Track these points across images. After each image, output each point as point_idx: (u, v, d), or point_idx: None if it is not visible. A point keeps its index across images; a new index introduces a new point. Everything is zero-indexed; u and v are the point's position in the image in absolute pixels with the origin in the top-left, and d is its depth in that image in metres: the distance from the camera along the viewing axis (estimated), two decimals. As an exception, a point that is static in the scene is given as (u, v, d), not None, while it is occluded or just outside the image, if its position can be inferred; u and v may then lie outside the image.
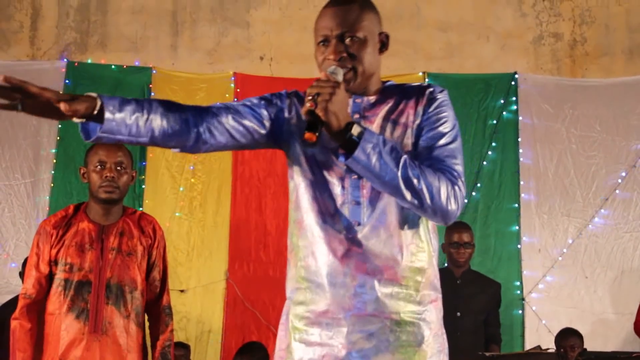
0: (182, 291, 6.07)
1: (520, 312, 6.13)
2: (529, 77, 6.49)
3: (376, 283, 2.23)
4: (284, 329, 2.36)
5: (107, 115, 2.08)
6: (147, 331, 3.77)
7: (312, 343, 2.27)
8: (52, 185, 6.16)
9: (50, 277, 3.55)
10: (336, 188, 2.27)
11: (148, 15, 6.64)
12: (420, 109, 2.31)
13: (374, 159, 2.10)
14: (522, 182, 6.30)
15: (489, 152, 6.32)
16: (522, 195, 6.29)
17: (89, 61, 6.48)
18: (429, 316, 2.29)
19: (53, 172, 6.18)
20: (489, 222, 6.26)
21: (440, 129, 2.29)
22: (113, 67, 6.41)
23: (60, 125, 6.20)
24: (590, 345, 5.32)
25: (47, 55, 6.53)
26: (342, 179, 2.28)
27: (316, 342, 2.26)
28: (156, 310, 3.73)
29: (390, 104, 2.34)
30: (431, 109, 2.31)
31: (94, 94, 2.08)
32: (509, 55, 6.62)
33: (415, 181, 2.13)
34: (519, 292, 6.14)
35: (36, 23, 6.60)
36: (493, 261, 6.19)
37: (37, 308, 3.55)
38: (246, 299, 6.09)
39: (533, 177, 6.32)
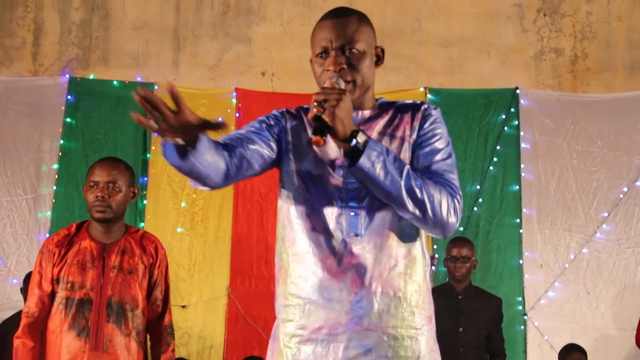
0: (183, 307, 6.06)
1: (522, 327, 6.12)
2: (530, 92, 6.50)
3: (373, 297, 2.22)
4: (272, 349, 2.34)
5: (199, 145, 2.02)
6: (149, 350, 3.77)
7: None
8: (53, 201, 6.16)
9: (53, 295, 3.55)
10: (333, 200, 2.27)
11: (150, 31, 6.66)
12: (416, 124, 2.33)
13: (378, 167, 2.11)
14: (523, 198, 6.30)
15: (491, 168, 6.31)
16: (524, 210, 6.28)
17: (91, 77, 6.50)
18: (426, 331, 2.29)
19: (55, 187, 6.19)
20: (490, 237, 6.26)
21: (437, 144, 2.31)
22: (115, 82, 6.42)
23: (62, 141, 6.21)
24: (593, 361, 5.31)
25: (50, 71, 6.55)
26: (339, 190, 2.27)
27: None
28: (158, 329, 3.73)
29: (385, 119, 2.36)
30: (427, 125, 2.33)
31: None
32: (510, 70, 6.63)
33: (417, 192, 2.14)
34: (520, 307, 6.12)
35: (39, 39, 6.62)
36: (495, 277, 6.18)
37: (40, 326, 3.55)
38: (248, 315, 6.08)
39: (535, 192, 6.31)
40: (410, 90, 6.39)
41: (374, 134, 2.31)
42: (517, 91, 6.45)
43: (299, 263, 2.30)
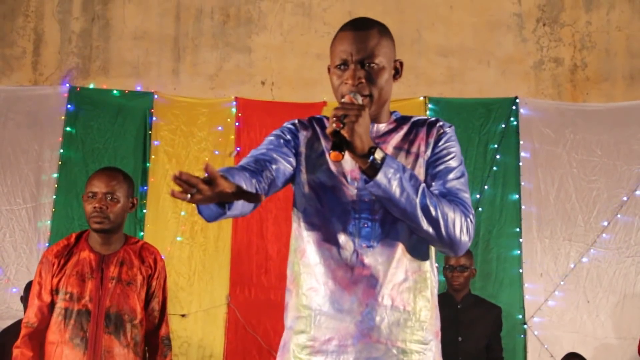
0: (183, 316, 6.05)
1: (522, 336, 6.10)
2: (530, 101, 6.50)
3: (384, 310, 2.23)
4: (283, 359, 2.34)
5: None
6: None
7: None
8: (53, 210, 6.16)
9: (52, 305, 3.56)
10: (346, 212, 2.28)
11: (150, 40, 6.68)
12: (430, 140, 2.35)
13: (394, 184, 2.12)
14: (523, 207, 6.29)
15: (490, 177, 6.32)
16: (524, 219, 6.28)
17: (91, 86, 6.51)
18: (433, 346, 2.31)
19: (55, 197, 6.18)
20: (490, 246, 6.25)
21: (451, 162, 2.33)
22: (115, 92, 6.42)
23: (62, 150, 6.22)
24: (593, 371, 5.30)
25: (50, 80, 6.55)
26: (353, 202, 2.28)
27: None
28: (155, 340, 3.73)
29: (401, 133, 2.37)
30: (441, 143, 2.35)
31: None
32: (510, 80, 6.64)
33: (432, 210, 2.15)
34: (520, 316, 6.11)
35: (39, 49, 6.63)
36: (494, 286, 6.17)
37: (39, 336, 3.56)
38: (247, 324, 6.07)
39: (534, 201, 6.31)
40: (410, 99, 6.38)
41: (390, 149, 2.33)
42: (517, 100, 6.45)
43: (309, 275, 2.30)
